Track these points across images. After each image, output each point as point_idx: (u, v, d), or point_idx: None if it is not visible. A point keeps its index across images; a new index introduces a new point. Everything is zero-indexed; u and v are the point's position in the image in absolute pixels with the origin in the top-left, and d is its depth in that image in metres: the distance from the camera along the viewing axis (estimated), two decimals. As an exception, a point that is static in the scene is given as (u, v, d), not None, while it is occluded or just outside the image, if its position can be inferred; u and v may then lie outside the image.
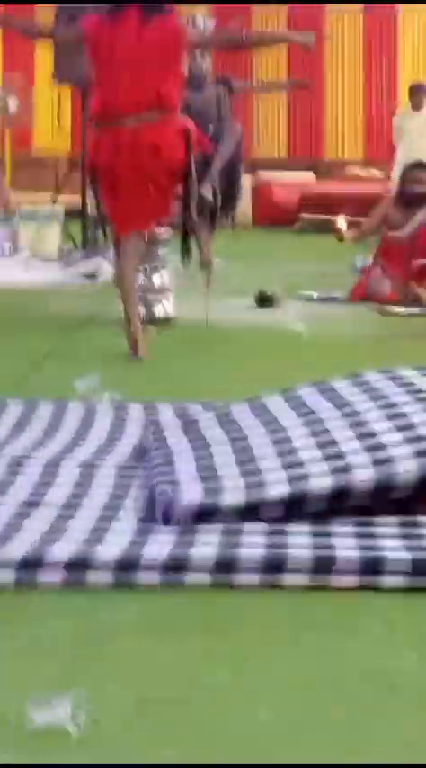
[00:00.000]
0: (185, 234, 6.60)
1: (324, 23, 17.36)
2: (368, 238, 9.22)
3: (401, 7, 17.52)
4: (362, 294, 8.70)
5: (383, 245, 8.86)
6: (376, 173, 16.63)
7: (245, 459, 3.77)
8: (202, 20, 8.70)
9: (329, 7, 17.48)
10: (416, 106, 12.89)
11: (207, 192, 8.39)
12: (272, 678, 2.62)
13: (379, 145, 17.41)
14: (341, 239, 9.25)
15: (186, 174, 6.28)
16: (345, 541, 3.27)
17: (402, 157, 11.63)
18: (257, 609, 3.00)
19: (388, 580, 3.12)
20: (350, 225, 9.34)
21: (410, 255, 8.63)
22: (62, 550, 3.16)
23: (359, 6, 17.60)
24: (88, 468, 3.98)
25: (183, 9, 7.81)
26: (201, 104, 9.06)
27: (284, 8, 17.26)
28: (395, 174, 11.20)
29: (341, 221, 8.93)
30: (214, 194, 8.82)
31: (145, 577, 3.11)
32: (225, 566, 3.14)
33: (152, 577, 3.11)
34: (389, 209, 8.97)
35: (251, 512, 3.42)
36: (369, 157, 17.69)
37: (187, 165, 6.24)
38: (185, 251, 6.61)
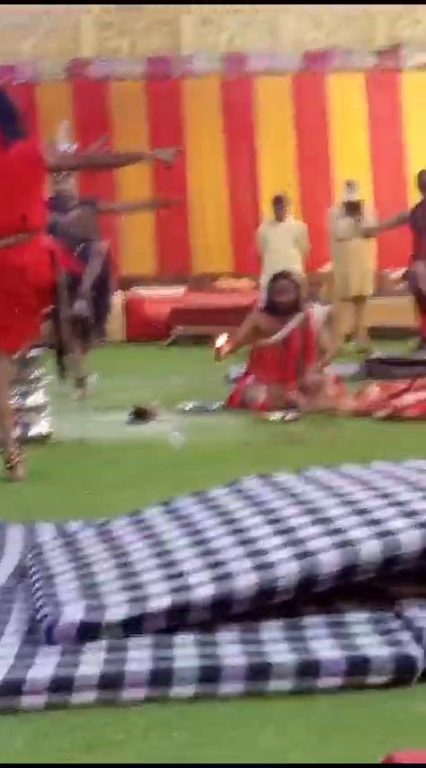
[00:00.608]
0: (59, 352, 6.62)
1: (186, 139, 17.74)
2: (240, 349, 9.33)
3: (260, 120, 18.01)
4: (238, 402, 8.79)
5: (255, 354, 8.99)
6: (246, 283, 16.92)
7: (126, 573, 3.75)
8: (65, 143, 8.86)
9: (188, 121, 17.87)
10: (279, 217, 13.21)
11: (78, 310, 8.45)
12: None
13: (247, 256, 17.75)
14: (218, 359, 9.37)
15: (55, 294, 6.32)
16: (230, 649, 3.26)
17: (268, 267, 11.89)
18: (144, 723, 2.96)
19: (275, 684, 3.11)
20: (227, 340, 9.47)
21: (283, 360, 8.77)
22: None
23: (220, 120, 18.03)
24: (-32, 593, 3.91)
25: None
26: (67, 225, 9.18)
27: (145, 126, 17.61)
28: (263, 282, 11.44)
29: (220, 341, 9.04)
30: (85, 312, 8.90)
31: (29, 701, 3.05)
32: (111, 683, 3.10)
33: (37, 700, 3.05)
34: (260, 319, 9.12)
35: (134, 626, 3.39)
36: (238, 268, 18.00)
37: (55, 284, 6.28)
38: (60, 369, 6.62)
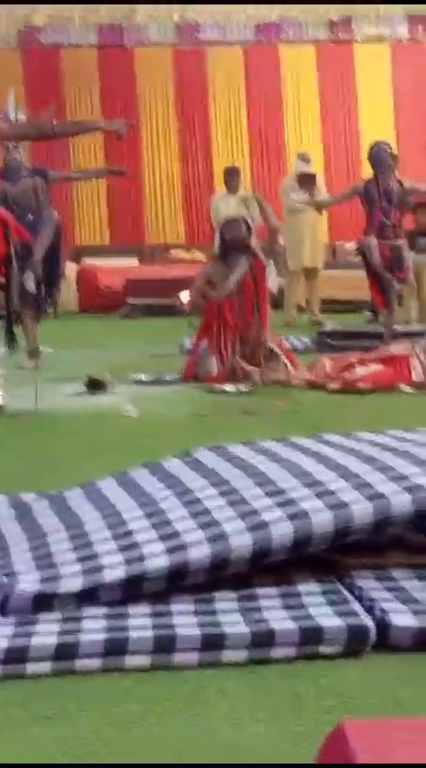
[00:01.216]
0: (9, 322, 6.59)
1: (138, 108, 17.67)
2: (200, 302, 9.16)
3: (213, 92, 17.96)
4: (193, 374, 8.79)
5: (209, 312, 8.86)
6: (199, 255, 16.90)
7: (81, 544, 3.77)
8: (14, 112, 8.78)
9: (141, 94, 17.80)
10: (231, 189, 13.18)
11: (29, 281, 8.41)
12: (122, 755, 2.61)
13: (200, 227, 17.72)
14: (185, 314, 9.28)
15: (6, 264, 6.29)
16: (184, 619, 3.29)
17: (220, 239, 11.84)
18: (99, 694, 2.99)
19: (229, 655, 3.15)
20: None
21: (241, 312, 8.75)
22: None
23: (173, 91, 17.98)
24: None
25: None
26: (18, 195, 9.12)
27: (97, 95, 17.51)
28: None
29: (184, 295, 8.95)
30: (37, 282, 8.85)
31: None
32: (65, 653, 3.12)
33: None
34: (210, 269, 9.09)
35: (89, 596, 3.41)
36: (191, 240, 17.98)
37: (7, 255, 6.25)
38: (10, 339, 6.60)
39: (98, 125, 7.91)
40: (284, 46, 17.92)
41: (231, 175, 13.21)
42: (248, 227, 9.10)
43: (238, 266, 8.89)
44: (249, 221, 9.36)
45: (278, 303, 12.43)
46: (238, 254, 8.92)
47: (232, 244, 8.96)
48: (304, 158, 13.44)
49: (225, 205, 12.74)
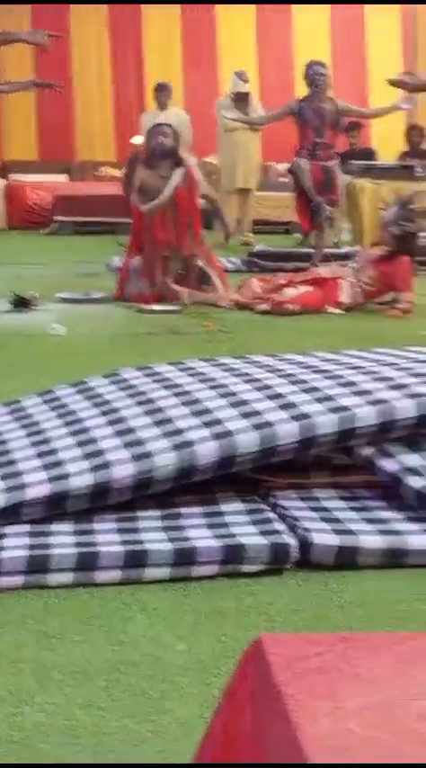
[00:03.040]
0: None
1: (70, 22, 17.36)
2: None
3: (142, 7, 17.69)
4: (121, 293, 8.73)
5: (139, 228, 8.71)
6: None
7: (4, 462, 3.75)
8: None
9: (73, 7, 17.48)
10: (161, 105, 13.02)
11: None
12: (45, 671, 2.63)
13: (130, 145, 17.53)
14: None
15: None
16: (107, 537, 3.30)
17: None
18: (21, 610, 2.99)
19: (151, 572, 3.16)
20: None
21: (175, 223, 8.62)
22: None
23: (105, 6, 17.67)
24: None
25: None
26: None
27: (28, 8, 17.17)
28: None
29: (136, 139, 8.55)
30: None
31: None
32: (-13, 570, 3.12)
33: None
34: (142, 174, 8.74)
35: (12, 513, 3.40)
36: (121, 158, 17.79)
37: None
38: None
39: (20, 36, 7.70)
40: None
41: (161, 91, 13.02)
42: (176, 135, 8.88)
43: (171, 178, 8.66)
44: (174, 127, 9.10)
45: (209, 223, 12.38)
46: (167, 163, 8.70)
47: (159, 152, 8.71)
48: (241, 77, 13.25)
49: (154, 121, 12.57)
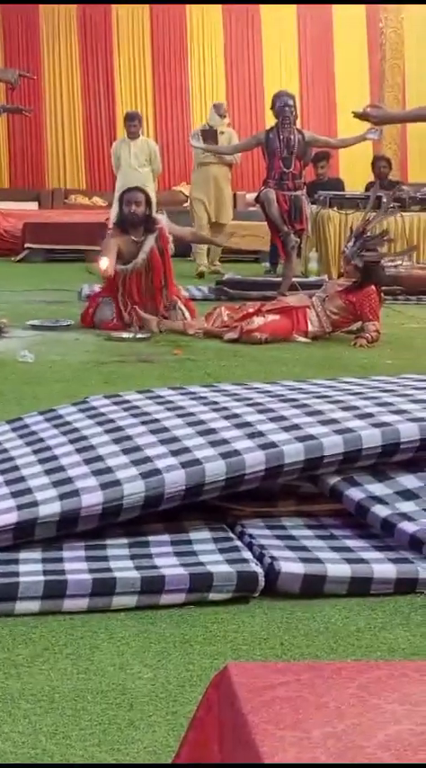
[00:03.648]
0: None
1: (41, 52, 17.44)
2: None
3: (114, 33, 17.78)
4: (90, 321, 8.75)
5: (115, 279, 8.77)
6: (99, 201, 16.79)
7: (-27, 489, 3.75)
8: None
9: (44, 35, 17.54)
10: (131, 135, 13.05)
11: None
12: (12, 700, 2.63)
13: (100, 173, 17.59)
14: (103, 279, 9.09)
15: None
16: (75, 565, 3.31)
17: (120, 185, 11.74)
18: (-10, 638, 3.00)
19: (119, 600, 3.17)
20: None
21: (148, 285, 8.70)
22: None
23: (76, 36, 17.75)
24: None
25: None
26: None
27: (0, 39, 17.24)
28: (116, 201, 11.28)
29: (103, 263, 8.77)
30: None
31: None
32: None
33: None
34: (118, 240, 8.86)
35: (-20, 542, 3.40)
36: (91, 186, 17.85)
37: None
38: None
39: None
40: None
41: (131, 120, 13.02)
42: (148, 200, 8.95)
43: (144, 244, 8.74)
44: (147, 192, 9.19)
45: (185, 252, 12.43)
46: (140, 230, 8.77)
47: (130, 222, 8.78)
48: (218, 111, 13.23)
49: (125, 151, 12.62)
